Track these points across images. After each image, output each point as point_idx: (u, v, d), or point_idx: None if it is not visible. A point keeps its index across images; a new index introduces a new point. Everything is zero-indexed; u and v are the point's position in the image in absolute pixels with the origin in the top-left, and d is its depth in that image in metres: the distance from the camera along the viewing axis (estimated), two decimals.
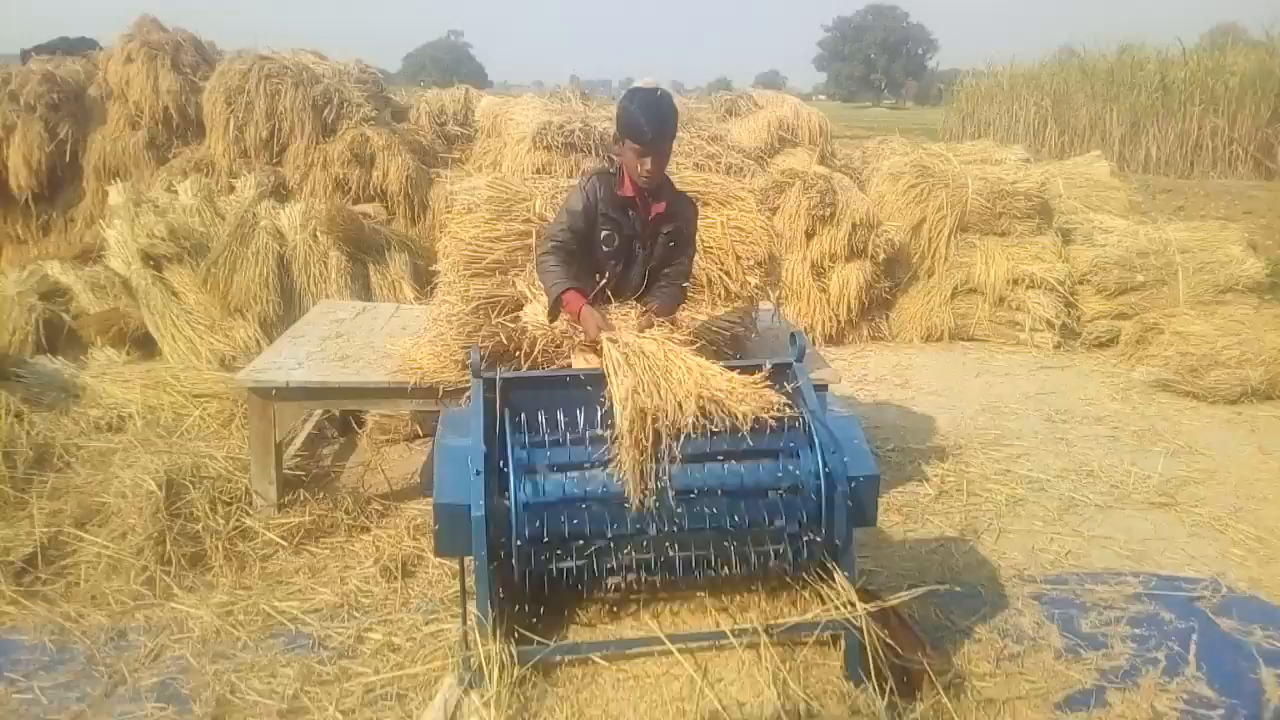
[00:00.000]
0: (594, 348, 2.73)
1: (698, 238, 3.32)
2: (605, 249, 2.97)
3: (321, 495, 3.78)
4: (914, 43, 72.40)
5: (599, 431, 2.28)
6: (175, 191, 6.21)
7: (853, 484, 2.28)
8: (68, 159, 7.32)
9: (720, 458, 2.28)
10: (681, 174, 3.80)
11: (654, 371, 2.30)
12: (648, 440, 2.18)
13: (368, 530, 3.56)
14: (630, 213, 2.94)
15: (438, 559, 3.21)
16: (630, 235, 2.96)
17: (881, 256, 6.56)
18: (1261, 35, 19.98)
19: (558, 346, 3.45)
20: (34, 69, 7.60)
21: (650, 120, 2.74)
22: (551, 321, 3.06)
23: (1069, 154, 17.72)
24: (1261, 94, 17.30)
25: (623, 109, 2.82)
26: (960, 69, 28.09)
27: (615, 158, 3.01)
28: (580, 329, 2.89)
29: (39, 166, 7.16)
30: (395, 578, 3.19)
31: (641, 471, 2.16)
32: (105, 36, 8.25)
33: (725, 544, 2.23)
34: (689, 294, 3.38)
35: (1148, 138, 18.24)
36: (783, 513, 2.25)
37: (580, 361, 2.88)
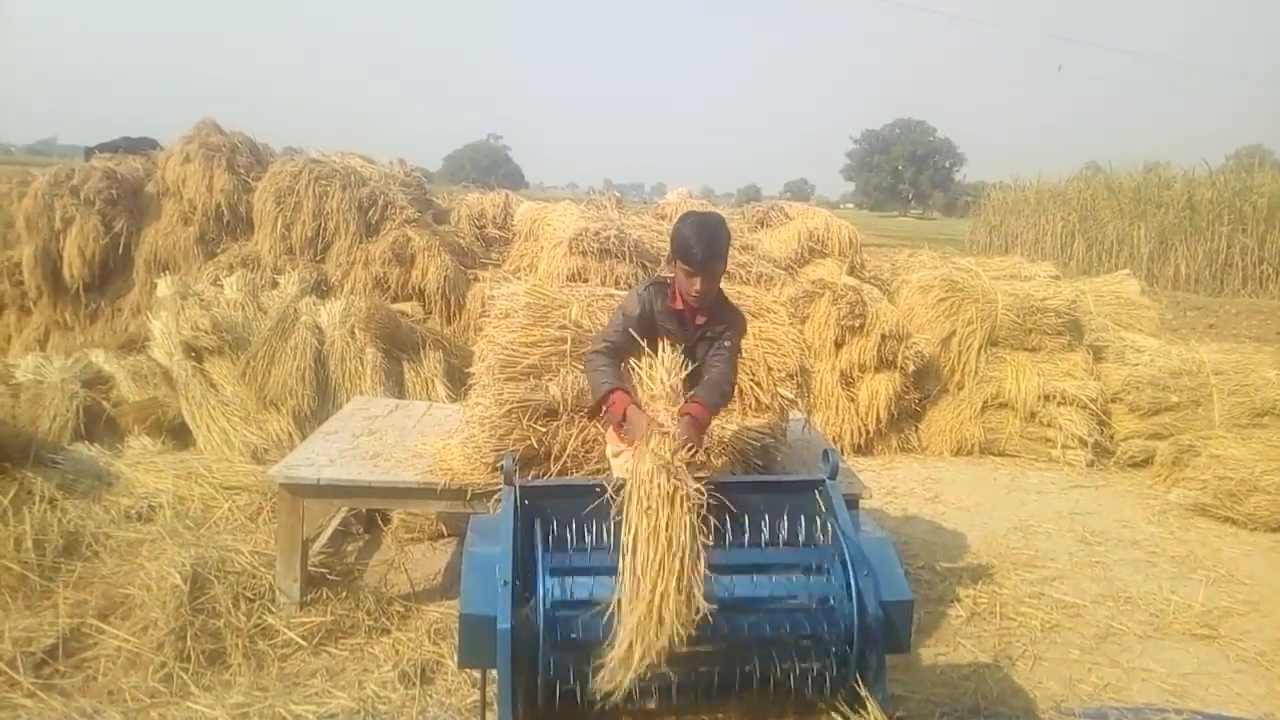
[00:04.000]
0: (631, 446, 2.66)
1: (742, 344, 3.35)
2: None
3: (344, 594, 3.75)
4: (941, 156, 74.10)
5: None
6: (221, 285, 6.41)
7: (886, 608, 2.24)
8: (120, 251, 7.59)
9: (751, 576, 2.26)
10: None
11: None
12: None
13: (388, 632, 3.52)
14: (682, 325, 2.99)
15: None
16: (685, 346, 2.99)
17: (911, 368, 6.57)
18: None
19: (588, 452, 3.48)
20: (96, 165, 7.97)
21: (701, 244, 2.79)
22: (591, 419, 3.05)
23: (1096, 268, 17.88)
24: None
25: (676, 231, 2.88)
26: (987, 182, 28.66)
27: (664, 273, 3.07)
28: (620, 427, 2.81)
29: (92, 258, 7.42)
30: (414, 684, 3.14)
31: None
32: (167, 136, 8.65)
33: (754, 668, 2.18)
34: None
35: (1176, 255, 18.38)
36: (813, 636, 2.21)
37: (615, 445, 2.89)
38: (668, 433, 2.48)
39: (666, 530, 2.19)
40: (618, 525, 2.34)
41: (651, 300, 2.94)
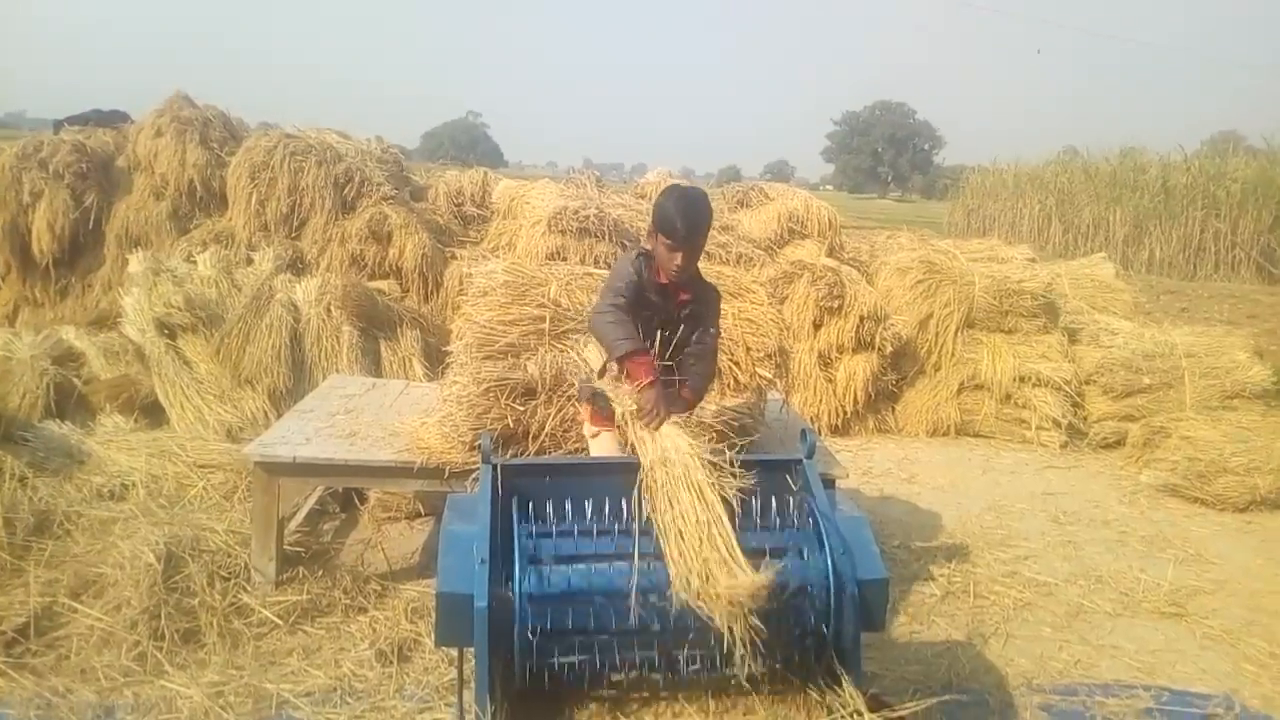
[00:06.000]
0: (646, 424, 2.61)
1: (720, 323, 3.37)
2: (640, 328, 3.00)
3: (320, 573, 3.73)
4: (920, 138, 74.29)
5: (606, 525, 2.27)
6: (194, 262, 6.32)
7: (862, 587, 2.26)
8: (91, 226, 7.45)
9: None
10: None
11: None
12: None
13: (365, 611, 3.50)
14: (663, 298, 2.96)
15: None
16: (662, 320, 2.97)
17: (889, 349, 6.61)
18: (1260, 143, 20.46)
19: (565, 431, 3.47)
20: (65, 139, 7.82)
21: (684, 219, 2.79)
22: (600, 376, 2.95)
23: (1072, 251, 18.02)
24: (1263, 200, 17.65)
25: (659, 204, 2.87)
26: (965, 165, 28.78)
27: (646, 246, 3.04)
28: (632, 389, 2.73)
29: (62, 233, 7.29)
30: (391, 662, 3.13)
31: None
32: (139, 110, 8.50)
33: (729, 645, 2.19)
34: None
35: (1151, 239, 18.56)
36: (790, 614, 2.22)
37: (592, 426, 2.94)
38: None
39: (703, 500, 2.27)
40: (596, 504, 2.34)
41: (641, 270, 2.91)
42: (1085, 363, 6.73)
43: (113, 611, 3.25)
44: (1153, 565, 4.41)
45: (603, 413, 3.02)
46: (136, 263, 6.10)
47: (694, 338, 3.00)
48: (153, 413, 5.38)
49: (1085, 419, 6.62)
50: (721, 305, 3.23)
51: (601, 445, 3.08)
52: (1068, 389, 6.54)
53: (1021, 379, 6.61)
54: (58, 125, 8.77)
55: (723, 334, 3.59)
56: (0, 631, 3.14)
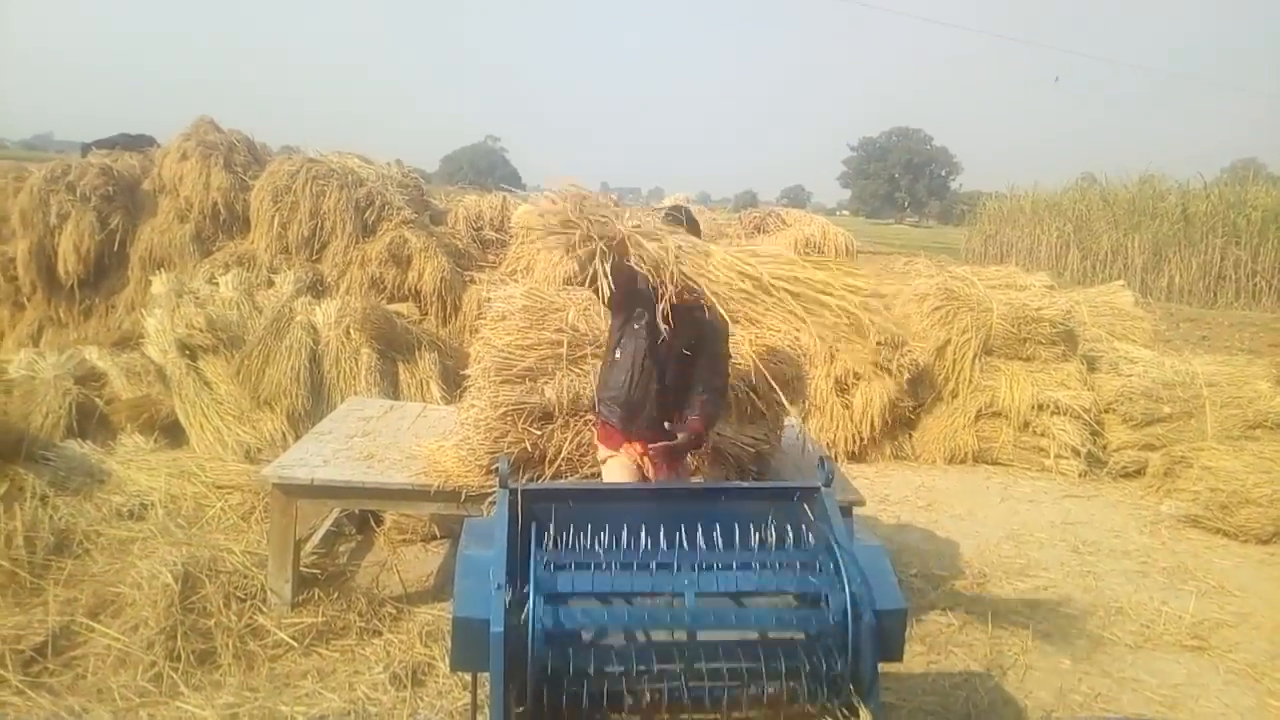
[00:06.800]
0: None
1: (731, 348, 3.42)
2: (636, 326, 3.05)
3: (335, 595, 3.74)
4: (937, 164, 74.28)
5: (625, 555, 2.27)
6: (216, 284, 6.40)
7: (880, 617, 2.24)
8: (116, 248, 7.57)
9: (743, 586, 2.25)
10: None
11: None
12: None
13: (380, 634, 3.51)
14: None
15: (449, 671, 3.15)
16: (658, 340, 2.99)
17: (906, 376, 6.58)
18: None
19: (582, 456, 3.48)
20: (93, 162, 7.95)
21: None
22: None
23: (1091, 279, 17.93)
24: None
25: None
26: (982, 191, 28.77)
27: None
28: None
29: (87, 254, 7.41)
30: (405, 686, 3.13)
31: None
32: (165, 134, 8.63)
33: (746, 675, 2.18)
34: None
35: (1170, 266, 18.44)
36: (806, 645, 2.20)
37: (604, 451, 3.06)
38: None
39: None
40: (610, 528, 2.34)
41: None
42: (1104, 391, 6.68)
43: (130, 631, 3.28)
44: (1174, 597, 4.35)
45: (609, 436, 3.07)
46: (160, 284, 6.18)
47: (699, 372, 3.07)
48: (173, 433, 5.43)
49: (1104, 448, 6.56)
50: (735, 330, 3.28)
51: (612, 471, 3.09)
52: (1087, 417, 6.48)
53: (1040, 407, 6.56)
54: (85, 148, 8.92)
55: (738, 362, 3.61)
56: (19, 650, 3.17)
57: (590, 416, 3.42)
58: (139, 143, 8.89)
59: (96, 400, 5.48)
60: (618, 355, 3.09)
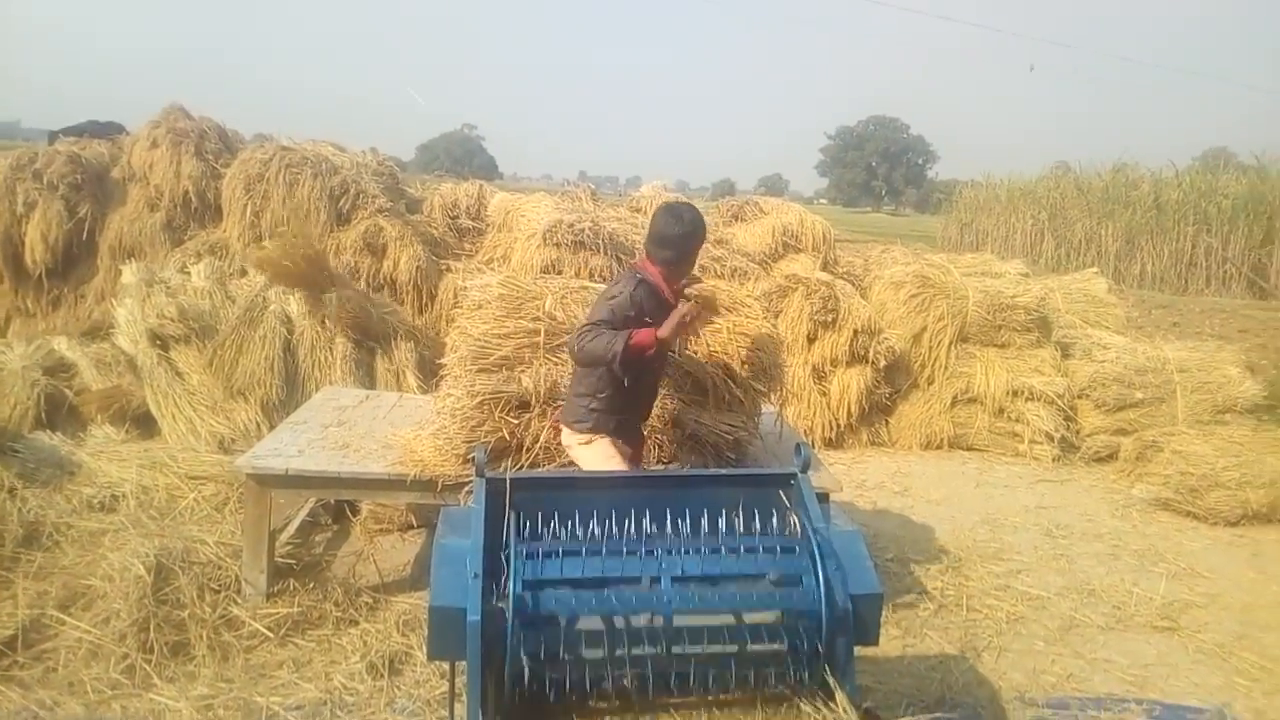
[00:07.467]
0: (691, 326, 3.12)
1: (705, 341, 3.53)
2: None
3: (311, 585, 3.72)
4: (914, 153, 74.68)
5: (602, 541, 2.27)
6: (188, 273, 6.31)
7: (855, 601, 2.25)
8: (85, 237, 7.45)
9: (720, 570, 2.26)
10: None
11: None
12: None
13: (356, 623, 3.48)
14: (664, 312, 3.07)
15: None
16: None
17: (882, 363, 6.62)
18: (1251, 160, 20.62)
19: (559, 444, 3.47)
20: (60, 149, 7.81)
21: (681, 230, 3.10)
22: (624, 373, 3.03)
23: (1065, 266, 18.12)
24: (1254, 216, 17.77)
25: (657, 222, 3.13)
26: (959, 179, 28.93)
27: (640, 268, 3.17)
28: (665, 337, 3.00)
29: (55, 243, 7.28)
30: (382, 675, 3.11)
31: None
32: (134, 121, 8.50)
33: (723, 659, 2.19)
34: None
35: (1143, 254, 18.67)
36: (783, 628, 2.22)
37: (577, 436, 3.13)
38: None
39: None
40: (587, 516, 2.34)
41: (644, 301, 3.04)
42: (1078, 377, 6.76)
43: (101, 624, 3.24)
44: (1145, 579, 4.41)
45: (585, 419, 3.06)
46: (130, 273, 6.08)
47: None
48: (144, 424, 5.37)
49: (1078, 433, 6.64)
50: (714, 318, 3.34)
51: (599, 453, 3.09)
52: (1060, 403, 6.56)
53: (1014, 393, 6.63)
54: (53, 136, 8.77)
55: (715, 349, 3.63)
56: None
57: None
58: (108, 130, 8.75)
59: (66, 391, 5.40)
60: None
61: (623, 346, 2.86)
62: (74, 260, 7.49)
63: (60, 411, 5.28)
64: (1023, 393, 6.61)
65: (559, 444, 3.41)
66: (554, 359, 3.55)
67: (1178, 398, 6.48)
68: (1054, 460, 6.44)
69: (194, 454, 4.93)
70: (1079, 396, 6.73)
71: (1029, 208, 22.20)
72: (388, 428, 4.04)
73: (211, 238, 7.38)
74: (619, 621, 2.17)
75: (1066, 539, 4.96)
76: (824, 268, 7.81)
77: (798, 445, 2.62)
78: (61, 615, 3.32)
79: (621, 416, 3.17)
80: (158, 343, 5.56)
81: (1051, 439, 6.49)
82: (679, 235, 3.10)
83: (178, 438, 5.18)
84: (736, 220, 8.42)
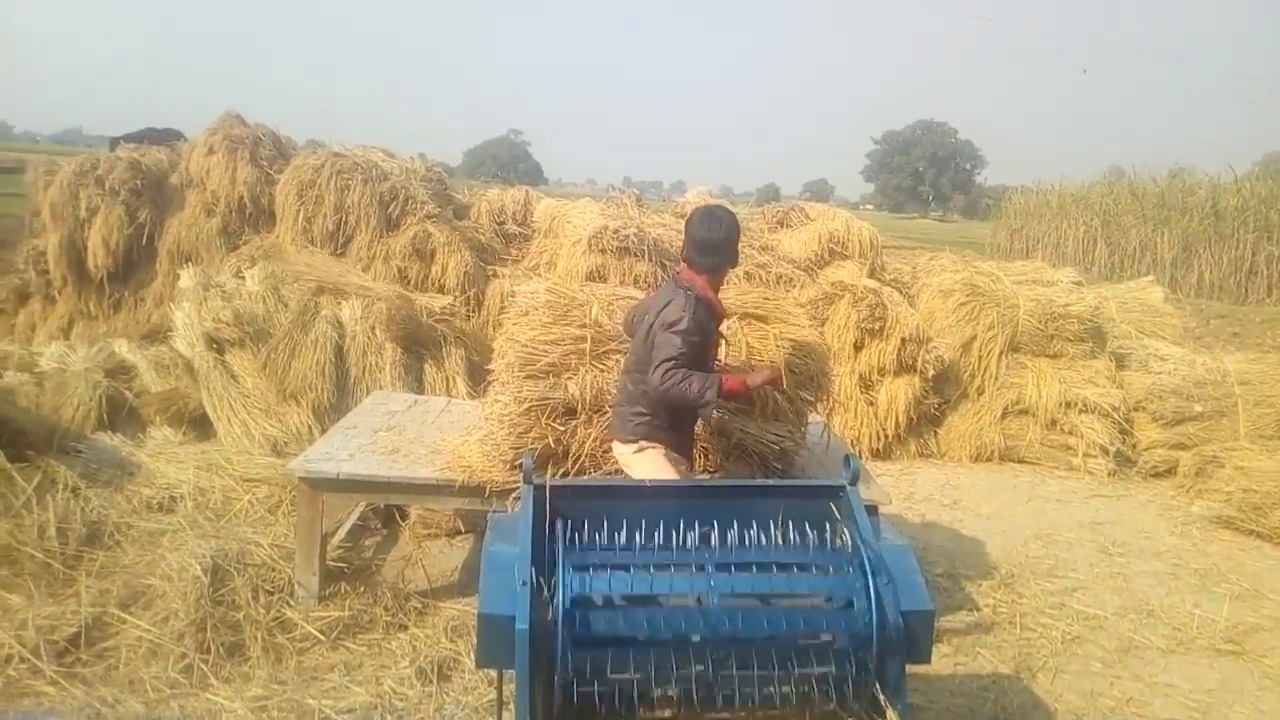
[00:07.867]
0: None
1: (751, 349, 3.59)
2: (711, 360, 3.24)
3: (362, 589, 3.77)
4: (962, 158, 73.47)
5: (651, 553, 2.26)
6: (243, 277, 6.44)
7: (906, 617, 2.22)
8: (144, 241, 7.65)
9: (770, 587, 2.24)
10: (733, 282, 3.88)
11: None
12: None
13: (405, 629, 3.53)
14: (715, 320, 3.20)
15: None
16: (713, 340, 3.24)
17: (931, 372, 6.53)
18: None
19: (605, 451, 3.47)
20: (121, 156, 8.03)
21: (724, 233, 3.17)
22: (713, 414, 3.30)
23: (1119, 274, 17.70)
24: None
25: (693, 229, 3.17)
26: (1008, 185, 28.42)
27: (685, 280, 3.17)
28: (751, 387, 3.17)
29: (116, 248, 7.49)
30: (431, 681, 3.14)
31: None
32: (192, 128, 8.72)
33: (773, 676, 2.17)
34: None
35: (1200, 262, 18.14)
36: (833, 646, 2.19)
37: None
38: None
39: None
40: (635, 525, 2.34)
41: (704, 320, 3.08)
42: (1134, 389, 6.59)
43: (160, 623, 3.31)
44: (1207, 600, 4.28)
45: (637, 430, 3.07)
46: (187, 278, 6.23)
47: None
48: (201, 425, 5.48)
49: (1134, 447, 6.48)
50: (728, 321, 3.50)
51: (651, 462, 3.09)
52: (1115, 415, 6.40)
53: (1067, 404, 6.48)
54: (114, 143, 9.01)
55: (762, 358, 3.62)
56: (53, 641, 3.21)
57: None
58: (166, 137, 8.97)
59: (126, 393, 5.53)
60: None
61: (715, 394, 2.96)
62: (134, 264, 7.69)
63: (121, 413, 5.41)
64: (1076, 404, 6.47)
65: (605, 451, 3.42)
66: (600, 366, 3.55)
67: (1239, 411, 6.28)
68: (1109, 475, 6.29)
69: (248, 456, 5.03)
70: (1135, 409, 6.56)
71: (1081, 214, 21.71)
72: (436, 433, 4.08)
73: (265, 242, 7.53)
74: (667, 638, 2.16)
75: (1124, 556, 4.83)
76: (871, 275, 7.72)
77: (846, 457, 2.59)
78: (122, 614, 3.40)
79: (675, 430, 3.19)
80: (214, 346, 5.67)
81: (1106, 452, 6.34)
82: (722, 240, 3.14)
83: (233, 440, 5.28)
84: (782, 226, 8.35)
